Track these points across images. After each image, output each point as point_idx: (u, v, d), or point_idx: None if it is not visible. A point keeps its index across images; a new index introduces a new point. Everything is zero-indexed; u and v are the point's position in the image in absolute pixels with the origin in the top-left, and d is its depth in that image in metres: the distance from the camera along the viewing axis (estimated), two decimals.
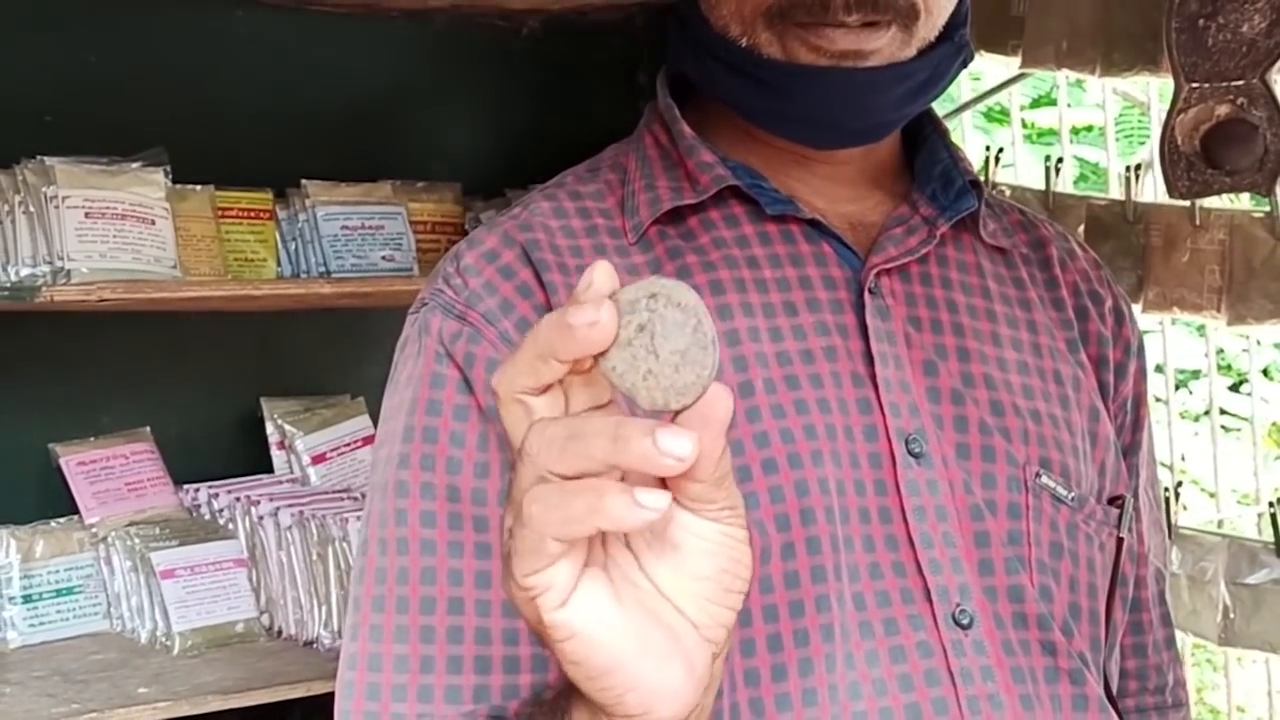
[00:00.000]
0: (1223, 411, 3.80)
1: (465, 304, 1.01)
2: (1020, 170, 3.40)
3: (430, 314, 1.03)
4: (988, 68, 4.77)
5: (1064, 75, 3.03)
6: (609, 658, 0.68)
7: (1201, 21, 1.92)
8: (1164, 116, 2.04)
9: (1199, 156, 1.93)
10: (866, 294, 1.03)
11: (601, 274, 0.65)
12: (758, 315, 1.02)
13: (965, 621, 0.98)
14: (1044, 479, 1.03)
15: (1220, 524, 3.29)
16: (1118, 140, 4.42)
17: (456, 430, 0.98)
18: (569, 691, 0.75)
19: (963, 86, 3.66)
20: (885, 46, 1.01)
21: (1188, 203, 2.43)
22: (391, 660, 0.95)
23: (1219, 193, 2.04)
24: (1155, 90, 3.59)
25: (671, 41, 1.11)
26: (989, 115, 5.24)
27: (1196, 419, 5.35)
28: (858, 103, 1.04)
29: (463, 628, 0.95)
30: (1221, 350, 5.36)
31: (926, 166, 1.11)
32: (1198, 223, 2.47)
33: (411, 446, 0.99)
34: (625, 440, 0.63)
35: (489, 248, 1.04)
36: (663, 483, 0.66)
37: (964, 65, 1.08)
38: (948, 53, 1.06)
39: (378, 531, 0.99)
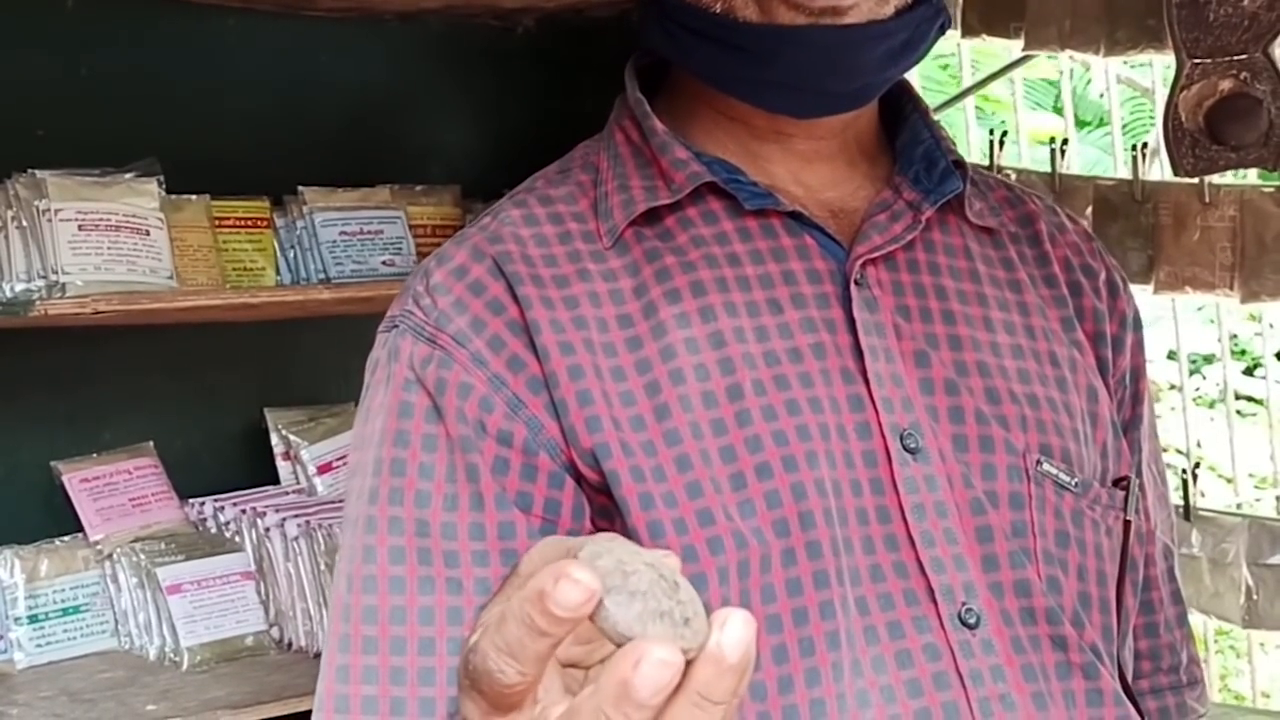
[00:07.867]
0: (1237, 396, 3.78)
1: (435, 326, 0.98)
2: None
3: (400, 338, 1.00)
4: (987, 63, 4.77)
5: (1067, 58, 3.01)
6: None
7: None
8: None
9: (1203, 133, 1.90)
10: (852, 286, 1.00)
11: None
12: (742, 315, 0.99)
13: (972, 621, 0.96)
14: (1045, 466, 1.01)
15: (1239, 507, 3.26)
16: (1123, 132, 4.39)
17: (425, 462, 0.96)
18: None
19: (963, 75, 3.64)
20: (863, 2, 0.97)
21: (1197, 180, 2.40)
22: (359, 701, 0.93)
23: (1225, 169, 2.01)
24: (1159, 75, 3.57)
25: (640, 19, 1.08)
26: (981, 117, 5.21)
27: (1211, 404, 5.32)
28: (839, 63, 1.00)
29: (434, 669, 0.92)
30: (1235, 336, 5.33)
31: (908, 147, 1.08)
32: (1207, 200, 2.44)
33: (380, 480, 0.96)
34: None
35: (458, 263, 1.01)
36: None
37: (942, 31, 1.05)
38: (926, 15, 1.02)
39: (346, 568, 0.97)
